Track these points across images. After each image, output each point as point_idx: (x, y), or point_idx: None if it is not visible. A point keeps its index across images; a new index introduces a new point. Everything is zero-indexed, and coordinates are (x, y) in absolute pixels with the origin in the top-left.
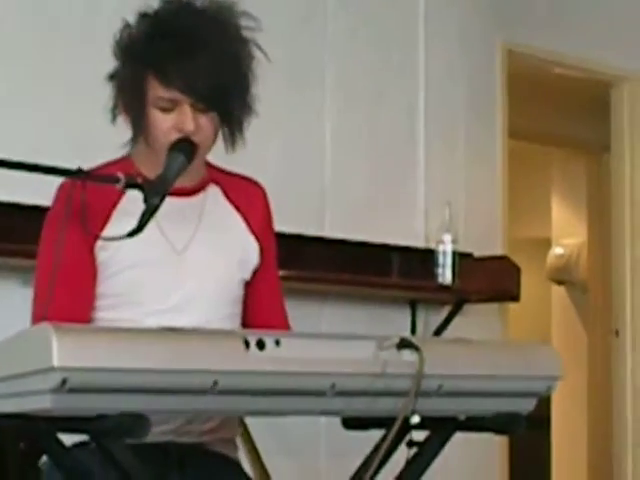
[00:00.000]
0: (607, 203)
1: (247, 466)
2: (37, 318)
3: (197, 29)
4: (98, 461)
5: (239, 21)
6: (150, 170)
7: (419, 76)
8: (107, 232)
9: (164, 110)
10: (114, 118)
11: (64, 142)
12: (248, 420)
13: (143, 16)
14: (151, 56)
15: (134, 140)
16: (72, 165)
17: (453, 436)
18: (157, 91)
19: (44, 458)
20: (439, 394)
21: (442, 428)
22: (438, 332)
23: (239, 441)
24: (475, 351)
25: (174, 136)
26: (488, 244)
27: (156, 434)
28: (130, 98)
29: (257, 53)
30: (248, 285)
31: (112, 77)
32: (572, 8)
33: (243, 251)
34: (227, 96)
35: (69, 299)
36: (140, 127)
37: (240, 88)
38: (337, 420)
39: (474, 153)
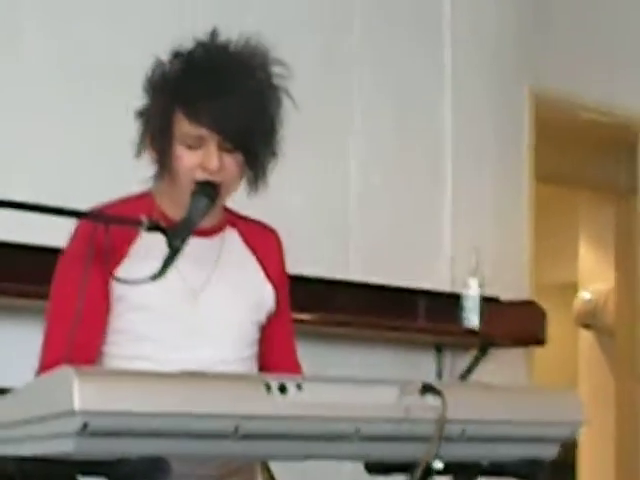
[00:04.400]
0: (635, 247)
1: None
2: (51, 357)
3: (229, 71)
4: None
5: (271, 67)
6: (171, 208)
7: (446, 120)
8: (124, 269)
9: (190, 147)
10: (139, 153)
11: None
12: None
13: (176, 55)
14: (182, 93)
15: (158, 176)
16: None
17: None
18: (185, 128)
19: None
20: (462, 439)
21: (465, 473)
22: (464, 376)
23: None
24: (498, 396)
25: (198, 174)
26: (515, 288)
27: (176, 478)
28: (157, 133)
29: (285, 99)
30: (262, 328)
31: (141, 113)
32: (599, 53)
33: (259, 295)
34: (254, 138)
35: (85, 336)
36: (165, 163)
37: (266, 131)
38: (360, 464)
39: (501, 197)
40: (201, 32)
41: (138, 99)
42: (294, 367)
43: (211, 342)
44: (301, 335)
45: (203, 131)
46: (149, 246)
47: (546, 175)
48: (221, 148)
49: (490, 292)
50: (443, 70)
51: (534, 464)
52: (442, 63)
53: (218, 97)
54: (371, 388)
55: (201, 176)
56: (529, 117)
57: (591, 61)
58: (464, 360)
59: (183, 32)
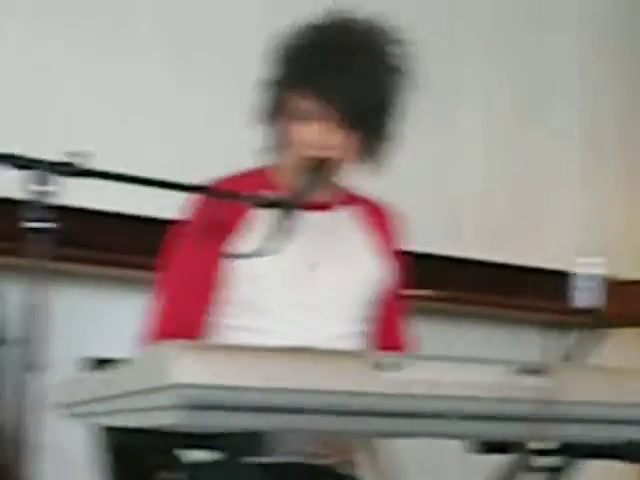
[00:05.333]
0: None
1: None
2: (158, 329)
3: (349, 49)
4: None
5: (394, 48)
6: (285, 183)
7: (573, 93)
8: (238, 242)
9: (304, 121)
10: (255, 124)
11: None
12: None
13: (299, 30)
14: (300, 67)
15: (270, 148)
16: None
17: (588, 465)
18: (300, 102)
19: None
20: (565, 421)
21: (567, 455)
22: (576, 357)
23: (369, 463)
24: (604, 377)
25: (309, 150)
26: (631, 267)
27: (280, 454)
28: (273, 105)
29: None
30: (374, 306)
31: (262, 85)
32: None
33: (371, 272)
34: (368, 116)
35: (192, 308)
36: (278, 136)
37: (383, 111)
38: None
39: (621, 173)
40: (321, 10)
41: (249, 73)
42: (403, 346)
43: (321, 317)
44: (415, 312)
45: (317, 106)
46: (263, 220)
47: None
48: (335, 124)
49: (606, 271)
50: (572, 45)
51: (638, 447)
52: (571, 38)
53: (335, 73)
54: (474, 366)
55: (312, 151)
56: None
57: None
58: (576, 340)
59: (302, 8)
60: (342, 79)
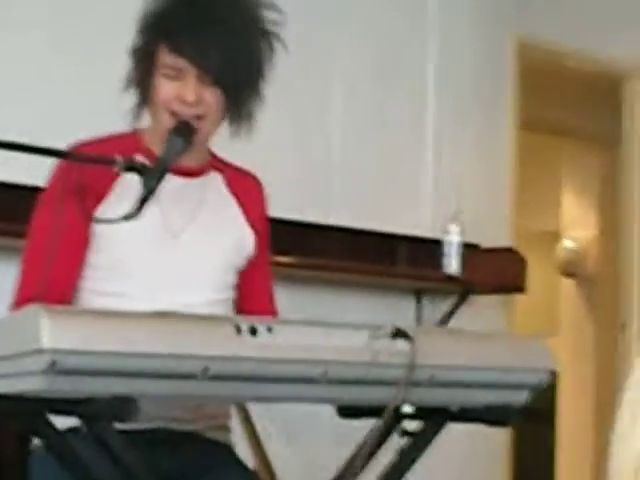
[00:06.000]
0: (618, 195)
1: (247, 451)
2: (25, 293)
3: (214, 7)
4: (89, 446)
5: (261, 10)
6: (156, 146)
7: (429, 66)
8: (104, 209)
9: (169, 78)
10: (127, 89)
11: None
12: (249, 406)
13: None
14: (165, 25)
15: (137, 108)
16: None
17: (455, 428)
18: (165, 59)
19: (36, 441)
20: (431, 384)
21: (434, 418)
22: (443, 322)
23: (239, 427)
24: (468, 342)
25: (175, 105)
26: (496, 236)
27: (146, 420)
28: (140, 65)
29: (277, 45)
30: (241, 273)
31: (132, 50)
32: (585, 1)
33: (239, 239)
34: (233, 73)
35: (60, 271)
36: (144, 94)
37: (248, 70)
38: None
39: (483, 143)
40: None
41: (120, 38)
42: (271, 312)
43: (186, 283)
44: (281, 279)
45: (182, 62)
46: (130, 185)
47: (530, 123)
48: (200, 81)
49: (471, 239)
50: (426, 16)
51: (503, 410)
52: (426, 9)
53: (199, 30)
54: (341, 331)
55: (178, 107)
56: (512, 64)
57: (577, 8)
58: (444, 306)
59: None
60: (205, 36)
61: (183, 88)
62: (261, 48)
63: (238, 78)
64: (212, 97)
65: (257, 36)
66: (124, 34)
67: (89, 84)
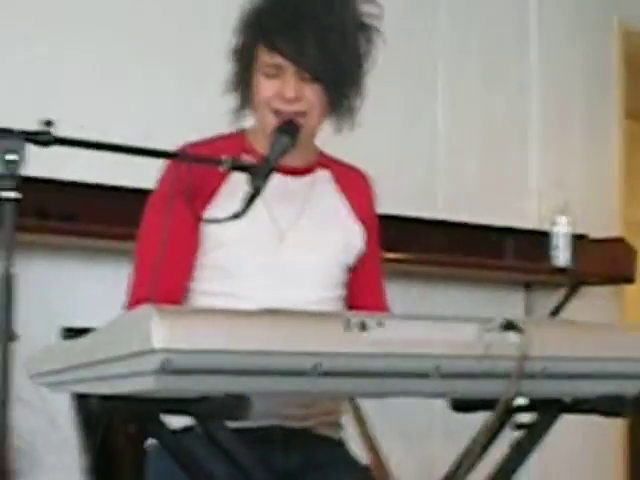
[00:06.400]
0: None
1: (359, 448)
2: (137, 295)
3: (311, 3)
4: (203, 445)
5: (358, 5)
6: (261, 146)
7: (533, 56)
8: (212, 209)
9: (269, 76)
10: (229, 91)
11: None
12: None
13: None
14: (262, 25)
15: (239, 109)
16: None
17: (568, 420)
18: (264, 57)
19: (150, 440)
20: (543, 376)
21: (547, 410)
22: (553, 315)
23: (351, 424)
24: (580, 333)
25: (276, 103)
26: (604, 226)
27: (260, 418)
28: (240, 66)
29: (376, 39)
30: (352, 271)
31: (232, 52)
32: None
33: (348, 237)
34: (332, 68)
35: (171, 273)
36: (245, 94)
37: (347, 65)
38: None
39: (590, 134)
40: None
41: (223, 40)
42: (382, 308)
43: (295, 281)
44: (390, 274)
45: (280, 59)
46: (238, 185)
47: (637, 112)
48: (299, 78)
49: (579, 230)
50: (530, 6)
51: (616, 400)
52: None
53: (296, 27)
54: (452, 325)
55: (279, 105)
56: (619, 53)
57: None
58: (553, 299)
59: None
60: (303, 32)
61: (283, 85)
62: (360, 43)
63: (337, 73)
64: (312, 93)
65: (355, 31)
66: (225, 36)
67: (192, 87)
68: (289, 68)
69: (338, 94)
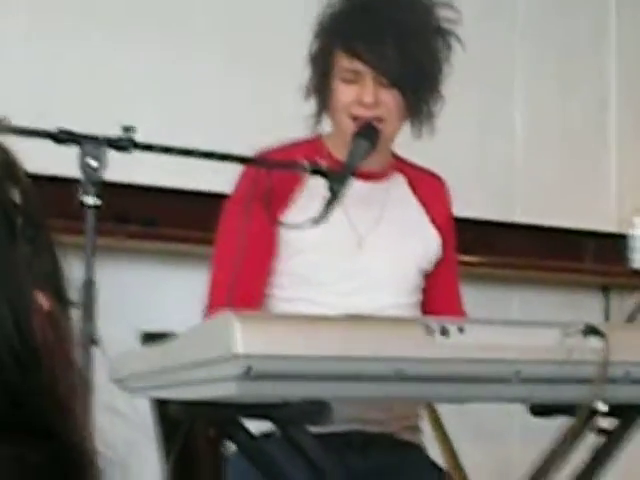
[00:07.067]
0: None
1: (437, 452)
2: (217, 301)
3: (389, 8)
4: (283, 450)
5: (436, 9)
6: (337, 151)
7: (610, 60)
8: (290, 214)
9: (347, 82)
10: (308, 95)
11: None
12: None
13: None
14: (342, 29)
15: (317, 113)
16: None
17: None
18: (342, 63)
19: (230, 445)
20: (626, 381)
21: (629, 415)
22: (632, 317)
23: (428, 428)
24: None
25: (355, 109)
26: None
27: (340, 423)
28: (318, 71)
29: (454, 44)
30: (428, 276)
31: (310, 56)
32: None
33: (425, 242)
34: (410, 74)
35: (249, 279)
36: (323, 99)
37: (425, 69)
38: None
39: None
40: None
41: (299, 44)
42: (459, 313)
43: (374, 287)
44: (467, 278)
45: (358, 65)
46: (315, 190)
47: None
48: (377, 83)
49: None
50: (608, 14)
51: None
52: (607, 8)
53: (374, 33)
54: (533, 330)
55: (357, 110)
56: None
57: None
58: (632, 302)
59: None
60: (381, 37)
61: (361, 91)
62: (437, 48)
63: (415, 79)
64: (390, 98)
65: (433, 36)
66: (301, 41)
67: (269, 91)
68: (368, 73)
69: (416, 99)
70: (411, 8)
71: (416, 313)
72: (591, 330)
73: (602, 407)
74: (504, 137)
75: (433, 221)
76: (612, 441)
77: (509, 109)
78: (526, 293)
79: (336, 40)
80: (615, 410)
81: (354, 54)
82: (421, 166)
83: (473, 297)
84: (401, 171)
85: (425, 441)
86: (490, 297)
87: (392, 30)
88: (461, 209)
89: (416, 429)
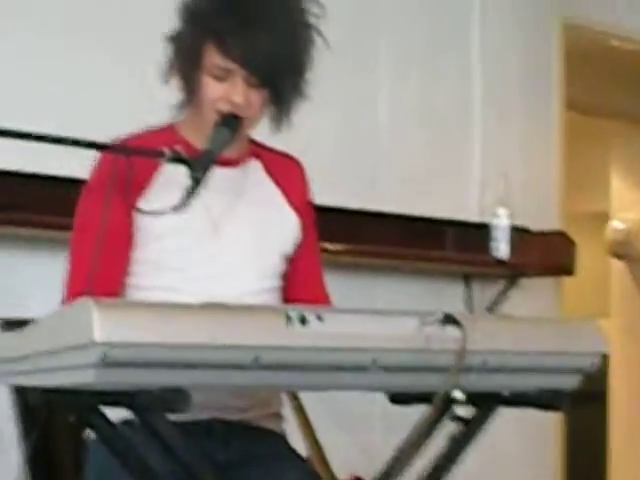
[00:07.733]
0: None
1: (300, 439)
2: (75, 288)
3: (262, 6)
4: (142, 437)
5: (305, 5)
6: (195, 138)
7: (474, 48)
8: (147, 200)
9: (217, 78)
10: (167, 79)
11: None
12: (302, 394)
13: None
14: (215, 24)
15: (183, 104)
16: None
17: (506, 413)
18: (214, 59)
19: (89, 432)
20: (482, 370)
21: (486, 404)
22: (492, 307)
23: (291, 415)
24: (519, 327)
25: (222, 106)
26: (544, 218)
27: (199, 411)
28: (186, 62)
29: (317, 39)
30: (289, 260)
31: (172, 39)
32: None
33: (284, 225)
34: (281, 75)
35: (108, 267)
36: (191, 92)
37: (295, 70)
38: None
39: (530, 126)
40: None
41: (157, 27)
42: (322, 297)
43: (232, 273)
44: (329, 266)
45: (231, 64)
46: (172, 177)
47: (577, 104)
48: (248, 83)
49: (519, 222)
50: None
51: (555, 394)
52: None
53: (249, 31)
54: (391, 319)
55: (224, 107)
56: (558, 45)
57: None
58: (493, 291)
59: None
60: (255, 38)
61: (231, 89)
62: (306, 45)
63: (284, 80)
64: (258, 99)
65: (302, 33)
66: (158, 24)
67: (123, 76)
68: (238, 72)
69: (281, 97)
70: (283, 7)
71: (277, 299)
72: (449, 319)
73: (459, 395)
74: (369, 127)
75: (291, 204)
76: (470, 429)
77: (374, 99)
78: (390, 282)
79: (208, 35)
80: (473, 398)
81: (227, 54)
82: (278, 150)
83: (337, 286)
84: (257, 156)
85: (288, 428)
86: (354, 286)
87: (265, 29)
88: (325, 197)
89: (278, 417)
